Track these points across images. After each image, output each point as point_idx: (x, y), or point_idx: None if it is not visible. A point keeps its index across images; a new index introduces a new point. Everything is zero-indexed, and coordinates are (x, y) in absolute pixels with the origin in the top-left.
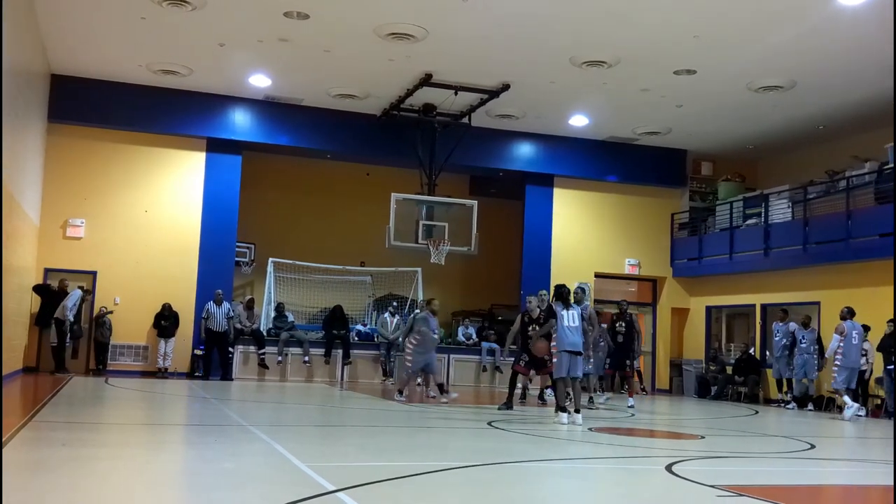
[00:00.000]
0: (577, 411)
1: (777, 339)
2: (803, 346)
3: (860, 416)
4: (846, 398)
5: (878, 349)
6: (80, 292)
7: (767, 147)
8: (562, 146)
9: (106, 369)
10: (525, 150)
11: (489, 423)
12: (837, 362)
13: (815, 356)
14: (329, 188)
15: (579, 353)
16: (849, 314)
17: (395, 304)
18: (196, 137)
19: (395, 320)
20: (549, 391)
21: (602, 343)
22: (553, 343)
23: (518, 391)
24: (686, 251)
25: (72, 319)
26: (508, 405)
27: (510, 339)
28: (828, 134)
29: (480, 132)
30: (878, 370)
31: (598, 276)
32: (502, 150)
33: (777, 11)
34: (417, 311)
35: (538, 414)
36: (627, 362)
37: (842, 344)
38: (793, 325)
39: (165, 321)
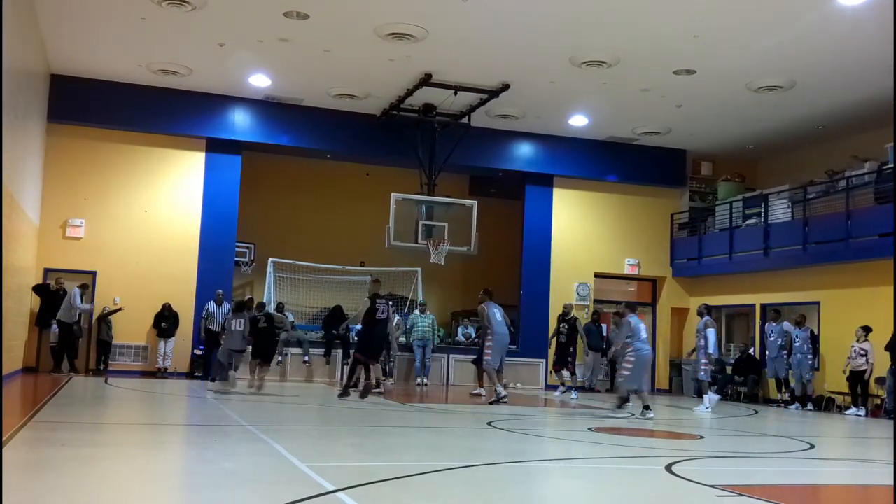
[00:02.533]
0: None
1: (772, 339)
2: (797, 345)
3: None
4: (711, 393)
5: (887, 349)
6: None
7: (767, 147)
8: (561, 146)
9: (107, 369)
10: (525, 150)
11: (489, 423)
12: (713, 355)
13: (809, 355)
14: (329, 188)
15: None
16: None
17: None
18: (196, 137)
19: (395, 320)
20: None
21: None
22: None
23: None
24: (686, 251)
25: (75, 319)
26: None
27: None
28: (827, 134)
29: (480, 132)
30: (879, 370)
31: (597, 276)
32: (502, 150)
33: (777, 11)
34: (416, 311)
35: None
36: (569, 360)
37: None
38: (787, 325)
39: (165, 321)
